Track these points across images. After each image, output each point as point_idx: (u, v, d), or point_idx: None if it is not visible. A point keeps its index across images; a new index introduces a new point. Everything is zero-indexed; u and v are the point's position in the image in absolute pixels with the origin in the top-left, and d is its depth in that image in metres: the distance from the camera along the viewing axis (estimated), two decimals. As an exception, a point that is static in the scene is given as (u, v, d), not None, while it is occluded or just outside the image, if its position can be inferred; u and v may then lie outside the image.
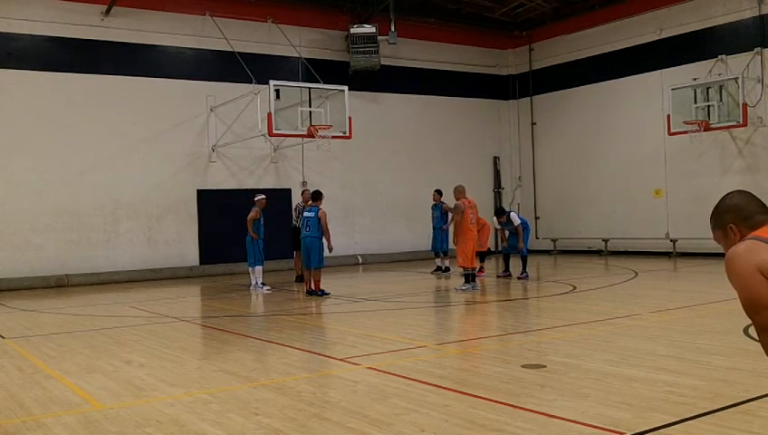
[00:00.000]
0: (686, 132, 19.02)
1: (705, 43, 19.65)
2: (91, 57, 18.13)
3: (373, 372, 6.65)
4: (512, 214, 15.54)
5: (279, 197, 19.84)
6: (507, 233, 15.77)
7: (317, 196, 13.45)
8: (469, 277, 13.27)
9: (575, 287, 13.38)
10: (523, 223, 15.46)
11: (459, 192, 13.42)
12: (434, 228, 17.46)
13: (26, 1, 17.44)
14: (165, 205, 18.76)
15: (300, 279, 15.90)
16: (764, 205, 2.91)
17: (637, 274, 15.65)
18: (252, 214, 14.42)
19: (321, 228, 13.02)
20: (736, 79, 18.46)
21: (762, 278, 2.60)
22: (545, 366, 6.58)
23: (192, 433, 4.89)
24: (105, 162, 18.08)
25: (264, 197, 14.81)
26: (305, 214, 13.39)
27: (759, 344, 2.74)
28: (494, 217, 15.88)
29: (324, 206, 13.46)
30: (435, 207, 17.41)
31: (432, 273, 17.37)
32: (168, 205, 18.72)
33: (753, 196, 2.95)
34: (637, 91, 21.37)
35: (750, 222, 2.82)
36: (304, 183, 20.58)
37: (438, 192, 17.47)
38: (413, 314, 11.02)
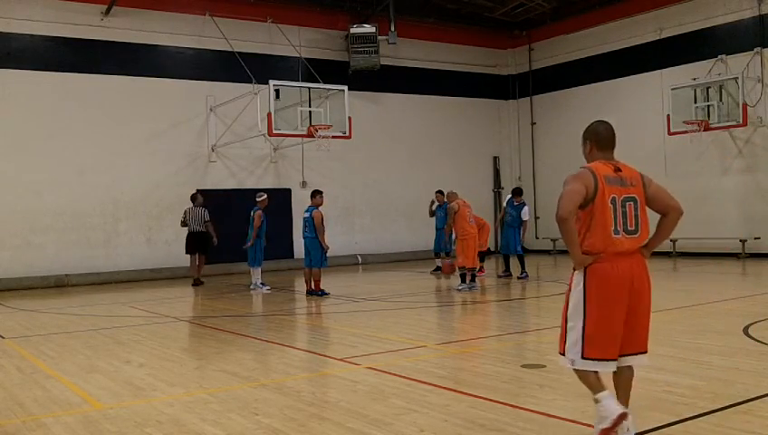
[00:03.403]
0: (686, 132, 19.02)
1: (705, 43, 19.65)
2: (91, 57, 18.12)
3: (373, 371, 6.65)
4: (526, 207, 15.44)
5: (279, 197, 19.83)
6: (505, 224, 15.59)
7: (313, 194, 13.40)
8: (466, 277, 13.29)
9: (575, 287, 13.34)
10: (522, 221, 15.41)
11: (451, 196, 13.93)
12: (437, 229, 17.45)
13: (26, 1, 17.44)
14: (165, 205, 18.75)
15: (197, 283, 16.05)
16: (611, 143, 4.49)
17: (637, 274, 15.60)
18: (259, 215, 14.37)
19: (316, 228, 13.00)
20: (736, 79, 18.46)
21: (581, 197, 4.22)
22: (545, 366, 6.58)
23: (192, 433, 4.89)
24: (105, 162, 18.08)
25: (265, 196, 14.80)
26: (304, 214, 13.36)
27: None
28: (510, 195, 15.79)
29: (324, 205, 13.42)
30: (439, 207, 17.37)
31: (432, 273, 17.38)
32: (168, 205, 18.71)
33: (612, 134, 4.50)
34: (636, 91, 21.36)
35: (596, 151, 4.51)
36: (304, 183, 20.60)
37: (441, 193, 17.44)
38: (413, 313, 11.02)
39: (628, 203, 4.30)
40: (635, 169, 4.46)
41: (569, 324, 4.39)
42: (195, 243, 16.22)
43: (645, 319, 4.37)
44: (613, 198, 4.26)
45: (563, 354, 4.41)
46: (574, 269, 4.39)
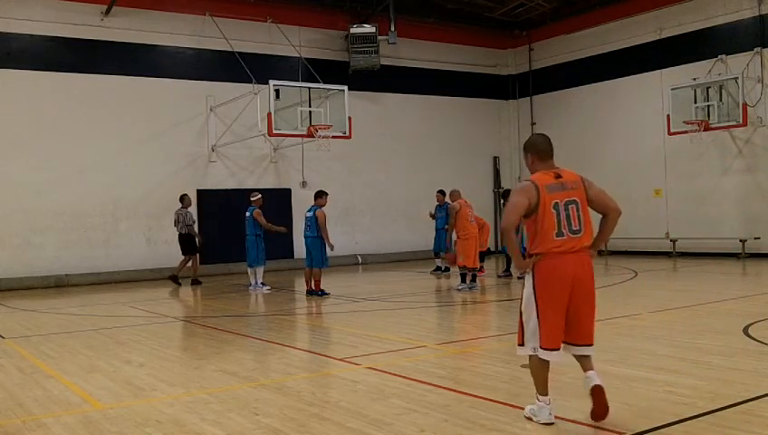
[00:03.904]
0: (685, 132, 19.01)
1: (705, 43, 19.64)
2: (91, 57, 18.12)
3: (373, 371, 6.65)
4: None
5: (279, 197, 19.84)
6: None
7: (318, 195, 13.40)
8: (466, 277, 13.28)
9: (575, 287, 13.33)
10: None
11: (455, 195, 14.04)
12: (437, 229, 17.43)
13: (26, 1, 17.43)
14: (164, 205, 18.70)
15: (194, 282, 16.33)
16: (550, 153, 4.96)
17: (637, 274, 15.65)
18: (259, 214, 14.39)
19: (319, 228, 12.99)
20: (736, 79, 18.45)
21: (524, 208, 4.66)
22: (545, 366, 6.57)
23: (192, 433, 4.89)
24: (105, 162, 18.07)
25: (260, 195, 14.78)
26: (306, 213, 13.40)
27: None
28: (501, 200, 15.90)
29: (325, 206, 13.41)
30: (439, 207, 17.35)
31: (432, 273, 17.38)
32: (168, 205, 18.64)
33: (550, 145, 5.02)
34: (636, 91, 21.36)
35: (537, 162, 4.95)
36: (304, 183, 20.61)
37: (441, 193, 17.43)
38: (413, 313, 11.02)
39: (570, 206, 4.72)
40: (575, 173, 4.87)
41: (523, 318, 4.86)
42: (182, 244, 16.35)
43: (590, 313, 4.78)
44: (556, 204, 4.68)
45: (522, 345, 4.84)
46: None
